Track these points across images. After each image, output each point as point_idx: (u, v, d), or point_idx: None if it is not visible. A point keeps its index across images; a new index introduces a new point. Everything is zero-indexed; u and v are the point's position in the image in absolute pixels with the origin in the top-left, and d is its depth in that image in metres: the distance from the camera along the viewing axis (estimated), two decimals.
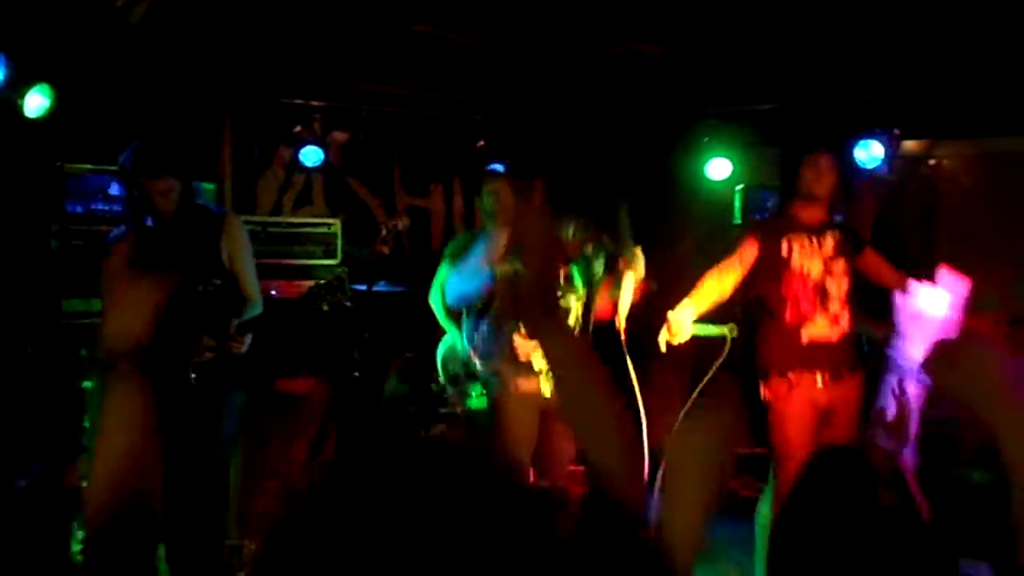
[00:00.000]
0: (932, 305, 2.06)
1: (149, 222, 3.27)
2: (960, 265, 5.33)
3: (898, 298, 3.39)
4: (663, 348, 3.56)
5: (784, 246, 3.62)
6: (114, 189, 4.45)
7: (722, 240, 5.62)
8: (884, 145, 4.79)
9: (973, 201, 5.32)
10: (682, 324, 3.54)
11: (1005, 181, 5.13)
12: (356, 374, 3.53)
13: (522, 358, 3.52)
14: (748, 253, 3.68)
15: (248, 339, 3.27)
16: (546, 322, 1.26)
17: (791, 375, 3.55)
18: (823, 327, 3.58)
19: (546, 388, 3.55)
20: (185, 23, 4.25)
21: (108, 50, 4.21)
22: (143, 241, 3.29)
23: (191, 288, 3.25)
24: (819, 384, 3.55)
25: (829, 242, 3.66)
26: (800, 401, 3.54)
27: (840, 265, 3.65)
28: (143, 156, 3.19)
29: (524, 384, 3.55)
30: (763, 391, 3.62)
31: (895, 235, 5.15)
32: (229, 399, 3.35)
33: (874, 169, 4.84)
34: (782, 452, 3.52)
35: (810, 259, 3.62)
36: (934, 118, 5.07)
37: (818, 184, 3.62)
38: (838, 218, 3.84)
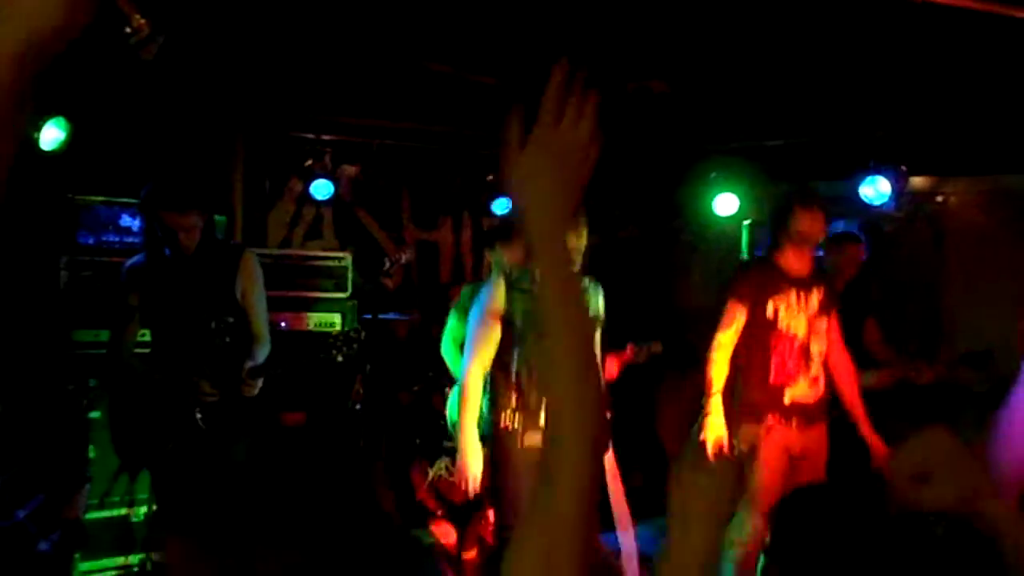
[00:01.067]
0: None
1: (168, 255, 3.28)
2: (967, 300, 5.33)
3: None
4: (712, 455, 3.47)
5: (770, 307, 3.60)
6: (125, 221, 4.49)
7: (729, 275, 5.65)
8: (891, 181, 4.80)
9: (980, 238, 5.31)
10: (720, 427, 3.55)
11: (1012, 218, 5.12)
12: (358, 407, 3.52)
13: (532, 406, 3.32)
14: (740, 318, 3.67)
15: (260, 383, 3.28)
16: (550, 242, 1.00)
17: (768, 420, 3.59)
18: (804, 389, 3.62)
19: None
20: (198, 58, 4.31)
21: (122, 84, 4.27)
22: (160, 275, 3.31)
23: (204, 324, 3.24)
24: (793, 428, 3.59)
25: (815, 299, 3.66)
26: (774, 445, 3.57)
27: (823, 323, 3.68)
28: (170, 190, 3.22)
29: (530, 439, 3.33)
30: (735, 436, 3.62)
31: (900, 273, 5.15)
32: (234, 450, 3.32)
33: (881, 205, 4.85)
34: (753, 494, 3.52)
35: (796, 319, 3.62)
36: (941, 155, 5.08)
37: (815, 228, 3.60)
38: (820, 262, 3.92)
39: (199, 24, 3.92)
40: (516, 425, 3.33)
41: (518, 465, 3.32)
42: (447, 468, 5.25)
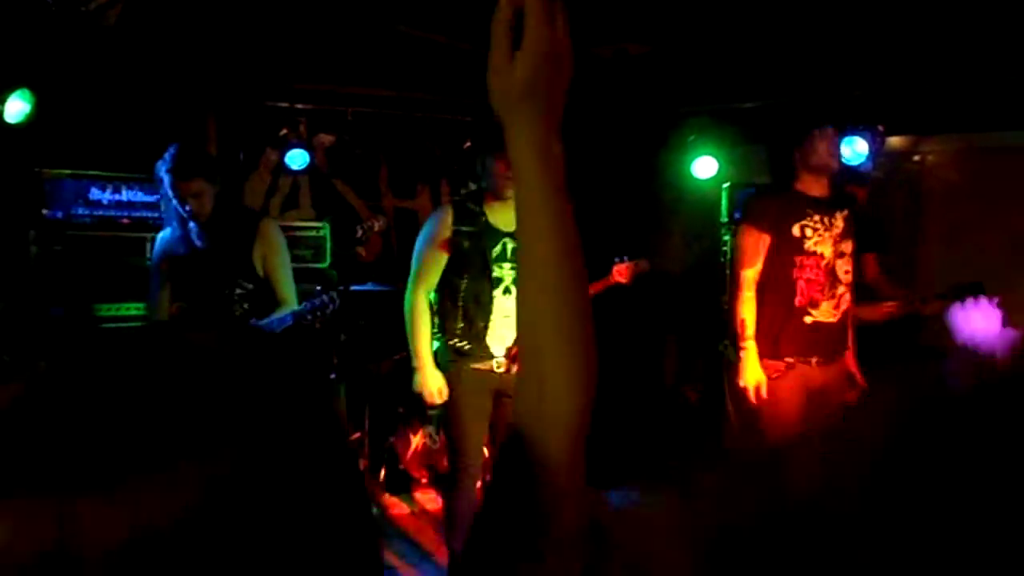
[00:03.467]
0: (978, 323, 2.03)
1: (189, 225, 3.41)
2: (946, 260, 5.37)
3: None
4: (757, 398, 3.53)
5: (796, 229, 3.57)
6: (94, 194, 4.42)
7: (710, 238, 5.66)
8: (869, 142, 4.79)
9: (958, 196, 5.34)
10: (758, 372, 3.53)
11: (990, 176, 5.15)
12: (332, 376, 3.53)
13: (480, 334, 3.41)
14: (763, 243, 3.61)
15: None
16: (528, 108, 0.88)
17: (788, 358, 3.56)
18: (827, 311, 3.59)
19: (499, 366, 3.46)
20: (167, 26, 4.21)
21: (89, 55, 4.17)
22: (182, 243, 3.46)
23: (222, 291, 3.41)
24: (814, 365, 3.57)
25: (839, 221, 3.63)
26: (794, 383, 3.56)
27: (848, 246, 3.66)
28: (176, 159, 3.34)
29: (476, 363, 3.43)
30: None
31: (880, 231, 5.17)
32: None
33: (859, 165, 4.85)
34: (771, 430, 3.55)
35: (822, 241, 3.59)
36: (919, 114, 5.08)
37: (833, 157, 3.59)
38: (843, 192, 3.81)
39: None
40: (465, 347, 3.43)
41: (468, 384, 3.42)
42: (431, 436, 5.26)
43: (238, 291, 3.42)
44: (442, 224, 3.41)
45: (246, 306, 3.44)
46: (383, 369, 4.94)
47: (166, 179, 3.36)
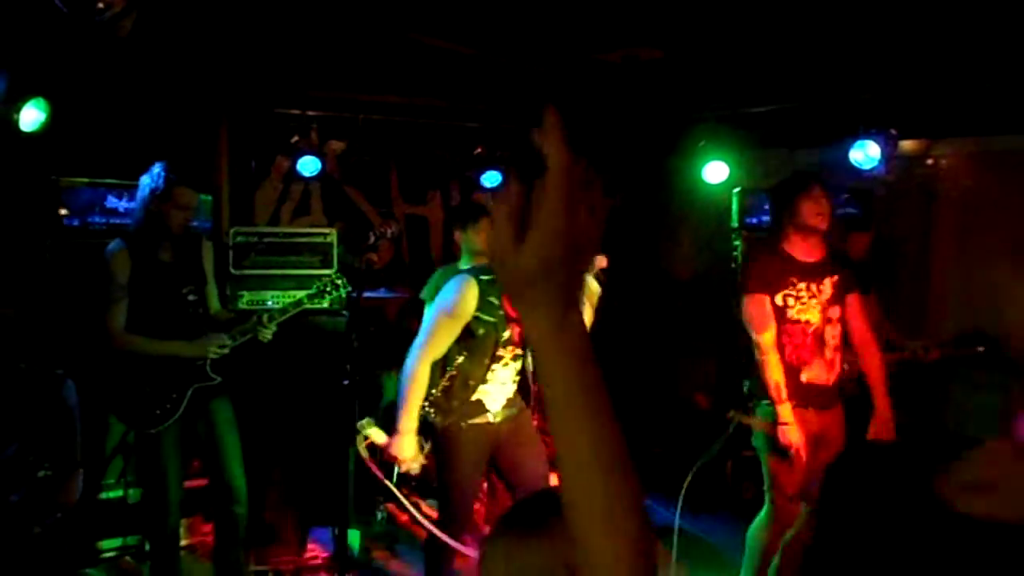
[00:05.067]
0: None
1: (158, 235, 3.54)
2: (958, 263, 5.34)
3: None
4: (797, 461, 3.53)
5: (780, 298, 3.57)
6: (111, 202, 4.45)
7: (720, 243, 5.64)
8: (881, 145, 4.78)
9: (971, 200, 5.31)
10: (797, 433, 3.51)
11: (1002, 179, 5.12)
12: (346, 382, 3.54)
13: (462, 401, 3.38)
14: (768, 305, 3.60)
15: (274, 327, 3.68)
16: (555, 297, 0.80)
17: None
18: (820, 371, 3.62)
19: (496, 413, 3.43)
20: (180, 35, 4.24)
21: (103, 64, 4.21)
22: (149, 253, 3.55)
23: (182, 298, 3.63)
24: (811, 412, 3.60)
25: (827, 287, 3.63)
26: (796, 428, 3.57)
27: (837, 311, 3.67)
28: (177, 171, 3.48)
29: (473, 418, 3.41)
30: (752, 419, 3.67)
31: (892, 237, 5.15)
32: (220, 404, 3.72)
33: (871, 169, 4.84)
34: (778, 473, 3.61)
35: (808, 309, 3.59)
36: (931, 118, 5.06)
37: (820, 218, 3.53)
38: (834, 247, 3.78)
39: (181, 0, 3.86)
40: (450, 406, 3.38)
41: (466, 445, 3.38)
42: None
43: (191, 297, 3.64)
44: (468, 302, 3.27)
45: (200, 311, 3.69)
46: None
47: (163, 190, 3.46)
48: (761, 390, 3.60)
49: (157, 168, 3.52)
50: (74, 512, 3.15)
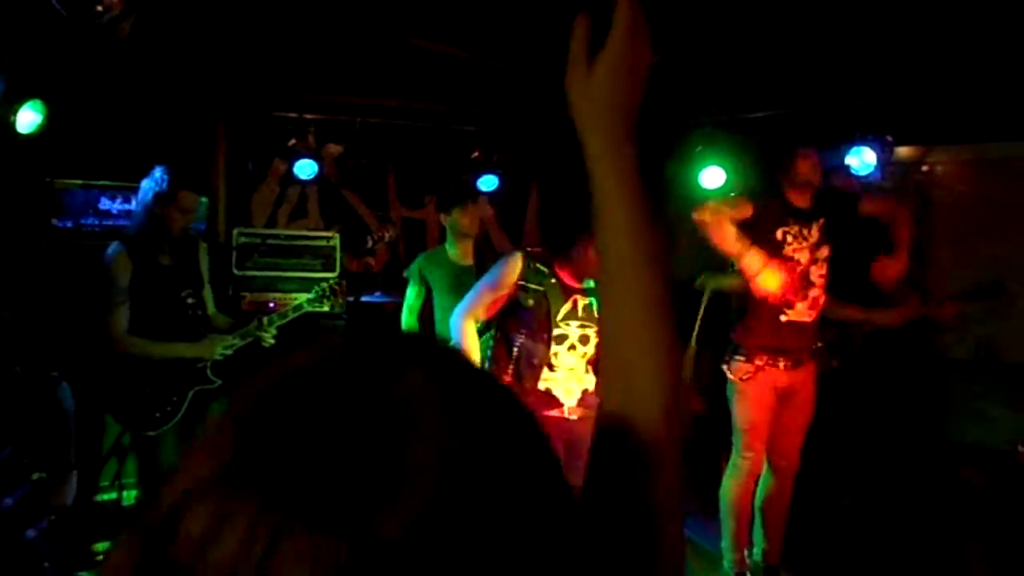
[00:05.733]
0: None
1: (159, 238, 3.56)
2: (954, 270, 5.35)
3: None
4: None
5: (779, 234, 3.82)
6: (104, 204, 4.45)
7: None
8: (877, 152, 4.79)
9: (966, 207, 5.32)
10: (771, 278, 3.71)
11: (999, 186, 5.13)
12: None
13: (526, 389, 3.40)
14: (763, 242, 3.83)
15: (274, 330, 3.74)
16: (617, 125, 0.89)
17: (757, 360, 3.83)
18: (802, 311, 3.86)
19: (571, 412, 3.46)
20: (177, 38, 4.24)
21: (100, 66, 4.20)
22: (151, 255, 3.56)
23: (182, 300, 3.64)
24: (781, 368, 3.84)
25: (815, 231, 3.88)
26: (763, 384, 3.84)
27: (824, 252, 3.90)
28: (180, 173, 3.51)
29: (549, 410, 3.44)
30: (728, 368, 3.92)
31: (885, 242, 5.15)
32: (221, 407, 3.58)
33: (867, 175, 4.84)
34: (746, 428, 3.87)
35: (800, 248, 3.85)
36: (927, 124, 5.07)
37: (815, 174, 3.82)
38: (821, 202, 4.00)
39: (178, 2, 3.85)
40: (522, 388, 3.41)
41: None
42: None
43: (189, 300, 3.66)
44: (510, 273, 3.43)
45: (199, 312, 3.73)
46: None
47: (167, 193, 3.47)
48: (738, 336, 3.89)
49: (159, 171, 3.52)
50: (68, 515, 3.14)
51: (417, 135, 5.99)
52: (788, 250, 3.84)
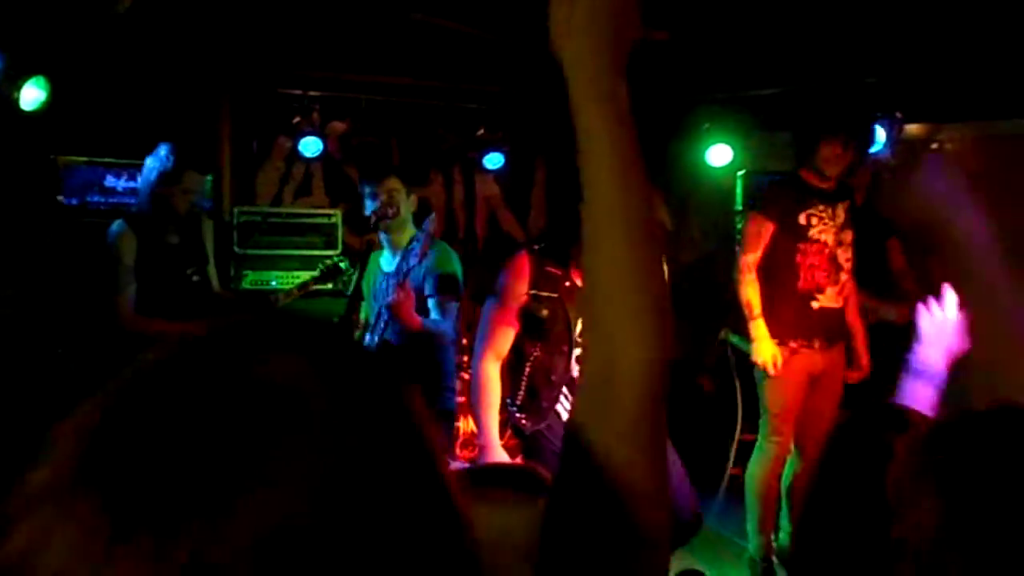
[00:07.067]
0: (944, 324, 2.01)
1: (165, 217, 3.54)
2: (964, 248, 5.30)
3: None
4: (774, 369, 3.64)
5: (803, 217, 3.72)
6: (109, 181, 4.44)
7: (724, 226, 5.62)
8: (886, 129, 4.75)
9: (976, 184, 5.28)
10: (770, 347, 3.63)
11: (1008, 164, 5.09)
12: None
13: (542, 410, 2.98)
14: (766, 231, 3.76)
15: None
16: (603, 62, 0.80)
17: (792, 343, 3.70)
18: (832, 296, 3.75)
19: None
20: (181, 14, 4.21)
21: (104, 43, 4.18)
22: (156, 233, 3.54)
23: (187, 277, 3.62)
24: (816, 349, 3.74)
25: (840, 211, 3.79)
26: (798, 368, 3.72)
27: (848, 236, 3.81)
28: (184, 152, 3.49)
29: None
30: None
31: (894, 222, 5.12)
32: None
33: (876, 153, 4.81)
34: (776, 412, 3.74)
35: (827, 230, 3.75)
36: (937, 101, 5.02)
37: (834, 167, 3.71)
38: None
39: None
40: (539, 407, 3.01)
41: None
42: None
43: (195, 278, 3.64)
44: (517, 282, 2.92)
45: (206, 291, 3.70)
46: None
47: (171, 172, 3.45)
48: (768, 323, 3.71)
49: (164, 150, 3.50)
50: None
51: (422, 112, 5.96)
52: (814, 232, 3.73)
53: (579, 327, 2.87)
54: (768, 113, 5.40)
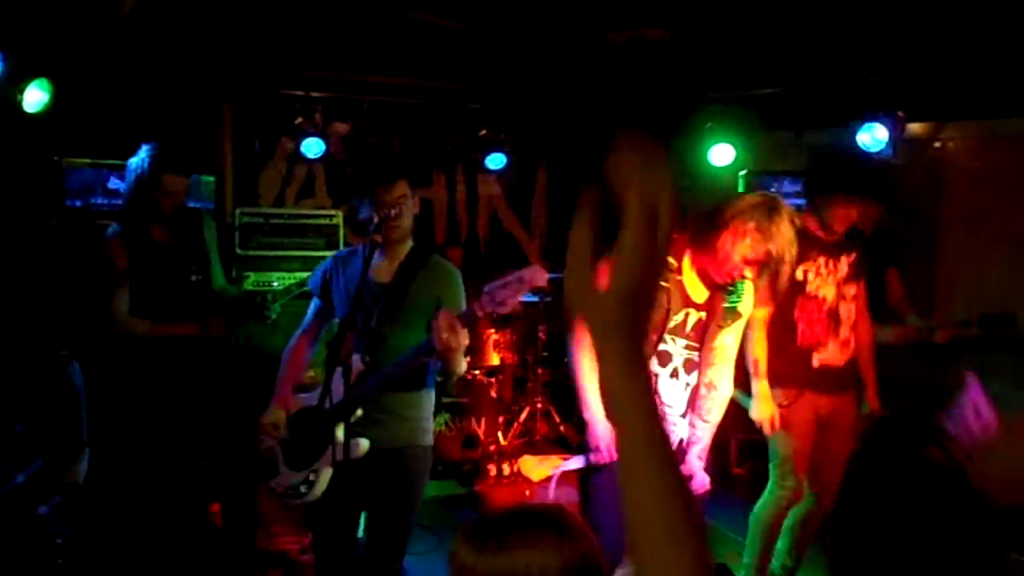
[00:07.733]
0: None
1: (148, 216, 3.49)
2: (966, 246, 5.31)
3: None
4: (769, 433, 3.55)
5: (799, 273, 3.51)
6: (113, 183, 4.44)
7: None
8: (889, 128, 4.74)
9: (978, 183, 5.27)
10: (771, 407, 3.52)
11: (1010, 163, 5.09)
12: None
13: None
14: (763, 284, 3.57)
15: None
16: (628, 345, 0.78)
17: (797, 388, 3.58)
18: (834, 352, 3.61)
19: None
20: (184, 16, 4.22)
21: (107, 44, 4.19)
22: (146, 235, 3.50)
23: (184, 277, 3.59)
24: (823, 392, 3.60)
25: (843, 265, 3.62)
26: (804, 409, 3.58)
27: (852, 289, 3.65)
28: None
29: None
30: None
31: (898, 220, 5.12)
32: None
33: (879, 152, 4.80)
34: (785, 456, 3.60)
35: (825, 284, 3.59)
36: (939, 101, 5.02)
37: (844, 225, 3.54)
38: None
39: None
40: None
41: None
42: (446, 424, 5.28)
43: (193, 278, 3.61)
44: None
45: (204, 290, 3.67)
46: None
47: (148, 176, 3.41)
48: (768, 373, 3.56)
49: (143, 151, 3.45)
50: (80, 492, 3.16)
51: (424, 113, 5.97)
52: (811, 288, 3.56)
53: (673, 323, 2.84)
54: (770, 113, 5.40)
